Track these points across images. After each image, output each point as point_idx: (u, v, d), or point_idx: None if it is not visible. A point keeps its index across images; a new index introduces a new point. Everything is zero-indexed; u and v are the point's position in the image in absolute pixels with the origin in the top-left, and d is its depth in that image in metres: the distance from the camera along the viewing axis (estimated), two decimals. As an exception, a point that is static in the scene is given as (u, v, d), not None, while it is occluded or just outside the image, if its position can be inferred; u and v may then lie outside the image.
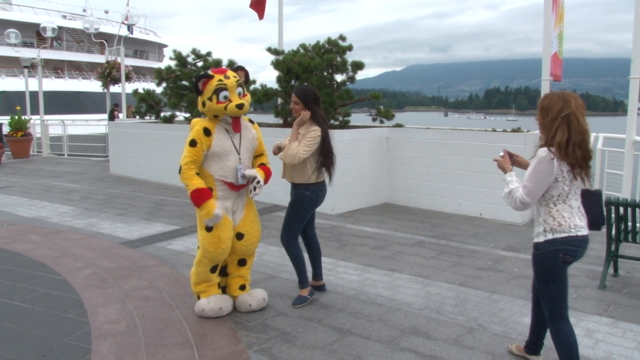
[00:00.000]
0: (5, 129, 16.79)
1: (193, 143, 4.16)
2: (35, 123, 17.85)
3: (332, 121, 9.41)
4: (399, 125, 9.47)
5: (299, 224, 4.58)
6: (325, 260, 5.95)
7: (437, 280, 5.24)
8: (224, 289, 4.59)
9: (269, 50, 10.03)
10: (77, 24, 36.42)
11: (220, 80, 4.16)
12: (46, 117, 18.05)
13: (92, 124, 18.71)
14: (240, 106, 4.16)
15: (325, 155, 4.50)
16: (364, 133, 8.72)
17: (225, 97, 4.15)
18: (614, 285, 5.12)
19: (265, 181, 4.33)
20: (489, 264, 5.78)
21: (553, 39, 7.47)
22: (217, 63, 10.81)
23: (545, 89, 7.50)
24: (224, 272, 4.59)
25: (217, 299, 4.29)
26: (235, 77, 4.25)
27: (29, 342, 3.96)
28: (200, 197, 4.07)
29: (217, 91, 4.13)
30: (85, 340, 3.97)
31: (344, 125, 9.49)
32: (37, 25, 24.85)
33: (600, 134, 7.76)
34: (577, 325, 4.18)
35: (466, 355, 3.69)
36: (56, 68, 39.68)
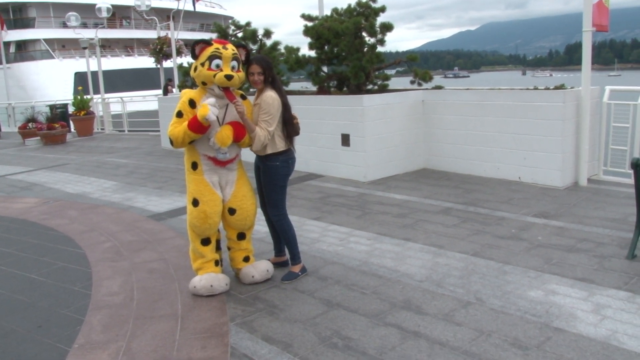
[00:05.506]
0: (71, 109, 17.69)
1: (179, 114, 4.18)
2: (98, 102, 18.64)
3: (369, 85, 9.12)
4: (438, 87, 9.03)
5: (282, 196, 4.48)
6: (340, 229, 5.82)
7: (450, 250, 4.97)
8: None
9: (303, 16, 9.78)
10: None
11: (217, 48, 4.12)
12: (106, 95, 18.78)
13: (150, 100, 19.25)
14: (229, 77, 4.08)
15: (285, 124, 4.34)
16: (396, 97, 8.38)
17: (218, 66, 4.11)
18: (645, 254, 4.64)
19: (236, 138, 4.19)
20: (512, 232, 5.41)
21: (597, -17, 6.75)
22: (253, 33, 10.70)
23: (587, 42, 6.84)
24: (222, 247, 4.58)
25: (209, 277, 4.24)
26: (233, 50, 4.19)
27: (30, 314, 4.13)
28: (191, 121, 4.04)
29: (211, 58, 4.10)
30: (82, 312, 4.09)
31: (382, 89, 9.17)
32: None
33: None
34: (587, 299, 3.84)
35: (450, 331, 3.46)
36: (126, 47, 41.22)
